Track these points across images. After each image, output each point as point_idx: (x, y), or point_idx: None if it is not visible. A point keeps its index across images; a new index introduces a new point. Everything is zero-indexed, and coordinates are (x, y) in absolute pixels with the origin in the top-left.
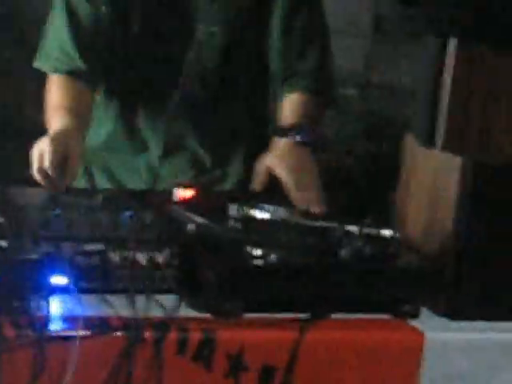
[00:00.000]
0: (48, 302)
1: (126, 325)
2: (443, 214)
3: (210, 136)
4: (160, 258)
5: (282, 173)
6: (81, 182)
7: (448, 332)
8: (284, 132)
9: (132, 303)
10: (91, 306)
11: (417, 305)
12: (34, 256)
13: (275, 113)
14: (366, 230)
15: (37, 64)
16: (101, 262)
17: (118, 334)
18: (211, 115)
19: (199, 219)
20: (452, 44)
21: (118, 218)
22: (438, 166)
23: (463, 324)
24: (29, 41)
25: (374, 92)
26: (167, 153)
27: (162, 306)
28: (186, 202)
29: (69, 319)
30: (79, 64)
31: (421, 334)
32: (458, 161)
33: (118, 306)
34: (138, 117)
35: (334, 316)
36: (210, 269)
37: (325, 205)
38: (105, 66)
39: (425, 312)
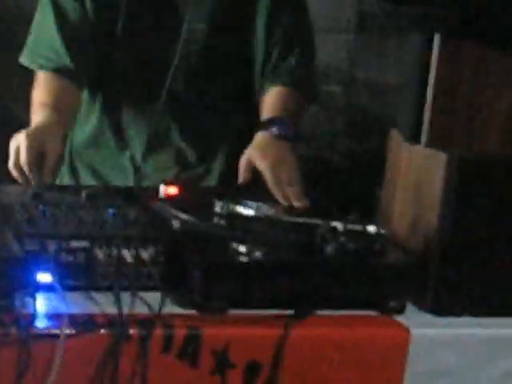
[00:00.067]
0: (33, 300)
1: (112, 322)
2: (428, 210)
3: (194, 132)
4: (145, 255)
5: (262, 166)
6: (65, 179)
7: (434, 328)
8: (264, 125)
9: (117, 300)
10: (76, 304)
11: (402, 301)
12: (19, 253)
13: (258, 107)
14: (351, 227)
15: (23, 60)
16: (86, 259)
17: (104, 331)
18: (195, 112)
19: (184, 216)
20: (437, 41)
21: (102, 215)
22: (423, 162)
23: (449, 320)
24: (16, 37)
25: (359, 88)
26: (151, 149)
27: (147, 303)
28: (171, 199)
29: (54, 317)
30: (66, 61)
31: (406, 330)
32: (442, 157)
33: (103, 304)
34: (121, 114)
35: (319, 312)
36: (195, 265)
37: (306, 199)
38: (90, 63)
39: (410, 308)
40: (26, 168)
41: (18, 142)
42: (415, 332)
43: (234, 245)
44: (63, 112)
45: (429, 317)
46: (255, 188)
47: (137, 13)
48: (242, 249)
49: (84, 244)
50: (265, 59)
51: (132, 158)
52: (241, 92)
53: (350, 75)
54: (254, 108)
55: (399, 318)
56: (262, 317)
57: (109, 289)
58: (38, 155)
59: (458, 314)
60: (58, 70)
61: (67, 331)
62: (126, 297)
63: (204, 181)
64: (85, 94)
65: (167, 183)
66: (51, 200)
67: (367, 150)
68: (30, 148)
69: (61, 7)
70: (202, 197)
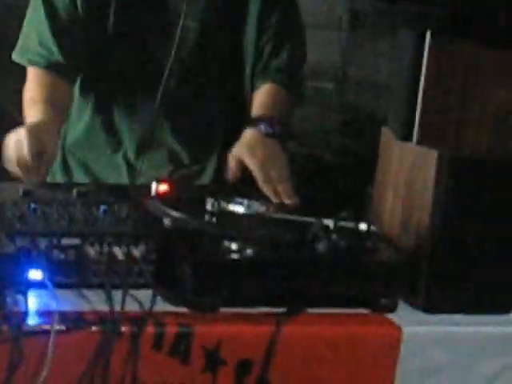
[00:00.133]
0: (24, 297)
1: (103, 319)
2: (420, 208)
3: (187, 132)
4: (136, 253)
5: (252, 163)
6: (58, 177)
7: (425, 326)
8: (252, 123)
9: (108, 298)
10: (67, 301)
11: (394, 299)
12: (10, 250)
13: (249, 105)
14: (343, 224)
15: (15, 57)
16: (77, 256)
17: (95, 328)
18: (188, 111)
19: (175, 213)
20: (428, 39)
21: (94, 213)
22: (414, 160)
23: (440, 318)
24: (8, 33)
25: (351, 86)
26: (144, 148)
27: (138, 300)
28: (162, 197)
29: (45, 314)
30: (57, 58)
31: (398, 328)
32: (433, 155)
33: (94, 301)
34: (114, 112)
35: (310, 310)
36: (187, 263)
37: (297, 196)
38: (82, 60)
39: (402, 306)
40: (29, 163)
41: (19, 137)
42: (407, 330)
43: (226, 242)
44: (57, 108)
45: (420, 315)
46: (245, 185)
47: (128, 10)
48: (234, 246)
49: (75, 241)
50: (256, 57)
51: (125, 157)
52: (234, 91)
53: (343, 72)
54: (246, 106)
55: (391, 316)
56: (254, 314)
57: (100, 286)
58: (38, 152)
59: (450, 312)
60: (50, 66)
61: (58, 328)
62: (117, 294)
63: (198, 179)
64: (77, 93)
65: (159, 181)
66: (42, 197)
67: (359, 148)
68: (32, 144)
69: (52, 4)
70: (194, 194)
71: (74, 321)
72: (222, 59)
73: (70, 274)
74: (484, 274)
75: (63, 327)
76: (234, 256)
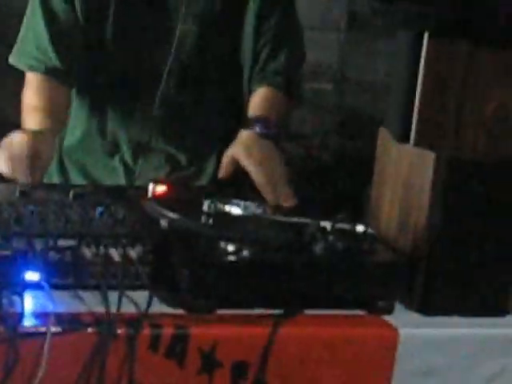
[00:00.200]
0: (20, 298)
1: (99, 321)
2: (417, 209)
3: (185, 135)
4: (133, 254)
5: (248, 164)
6: (54, 179)
7: (422, 328)
8: (248, 124)
9: (105, 299)
10: (64, 302)
11: (391, 300)
12: (6, 252)
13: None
14: (340, 226)
15: (13, 60)
16: (73, 257)
17: (91, 330)
18: (186, 114)
19: (172, 215)
20: (426, 39)
21: (90, 214)
22: (412, 161)
23: (437, 319)
24: (7, 36)
25: (350, 87)
26: (141, 152)
27: (134, 302)
28: (159, 198)
29: (41, 315)
30: (55, 63)
31: (395, 330)
32: (431, 156)
33: (90, 302)
34: (110, 117)
35: (307, 312)
36: (183, 264)
37: (295, 198)
38: (80, 64)
39: (399, 307)
40: (24, 167)
41: (14, 140)
42: (403, 332)
43: (222, 244)
44: (55, 115)
45: (417, 316)
46: (241, 186)
47: (127, 14)
48: (230, 248)
49: (71, 243)
50: (253, 60)
51: (122, 160)
52: (232, 93)
53: (341, 73)
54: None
55: (388, 318)
56: (250, 316)
57: (96, 287)
58: (32, 158)
59: (447, 314)
60: (48, 72)
61: (54, 330)
62: (113, 296)
63: (196, 181)
64: (75, 97)
65: (156, 182)
66: (39, 198)
67: (358, 149)
68: (27, 149)
69: (51, 8)
70: (191, 195)
71: (70, 322)
72: (220, 62)
73: (66, 275)
74: (482, 275)
75: (59, 329)
76: (231, 257)
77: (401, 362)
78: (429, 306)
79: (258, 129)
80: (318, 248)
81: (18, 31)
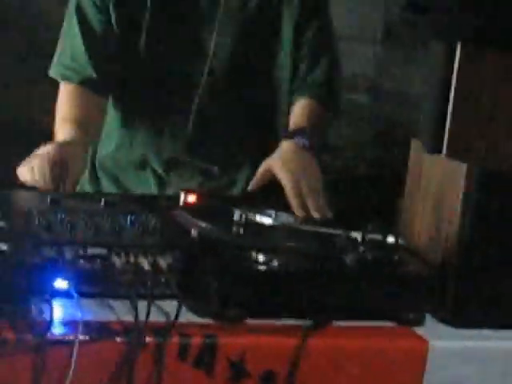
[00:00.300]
0: (49, 306)
1: (128, 330)
2: (448, 221)
3: (216, 148)
4: (163, 263)
5: (281, 175)
6: (86, 188)
7: (452, 340)
8: (288, 136)
9: (134, 308)
10: (92, 311)
11: (421, 312)
12: (36, 260)
13: (284, 120)
14: (371, 237)
15: (51, 72)
16: (103, 266)
17: (119, 339)
18: (219, 126)
19: (203, 224)
20: (458, 50)
21: (121, 223)
22: (444, 173)
23: (468, 332)
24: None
25: (386, 98)
26: (173, 164)
27: (163, 311)
28: (190, 207)
29: (69, 323)
30: (91, 73)
31: (425, 342)
32: (463, 168)
33: (119, 311)
34: (141, 129)
35: (336, 323)
36: (212, 274)
37: (329, 211)
38: (115, 75)
39: (429, 319)
40: (49, 173)
41: (42, 151)
42: (434, 344)
43: (252, 254)
44: (87, 126)
45: (448, 329)
46: (273, 197)
47: (162, 26)
48: (260, 258)
49: (101, 251)
50: (292, 73)
51: (154, 172)
52: (266, 105)
53: (377, 85)
54: (280, 120)
55: (418, 330)
56: (279, 326)
57: (125, 296)
58: (60, 167)
59: (477, 327)
60: (83, 82)
61: (82, 338)
62: (142, 305)
63: (228, 191)
64: (110, 110)
65: (186, 191)
66: (69, 207)
67: (393, 160)
68: (55, 158)
69: (86, 19)
70: (222, 205)
71: (98, 331)
72: (254, 75)
73: (95, 283)
74: None
75: (87, 337)
76: (261, 267)
77: (431, 374)
78: (459, 318)
79: (297, 140)
80: (349, 259)
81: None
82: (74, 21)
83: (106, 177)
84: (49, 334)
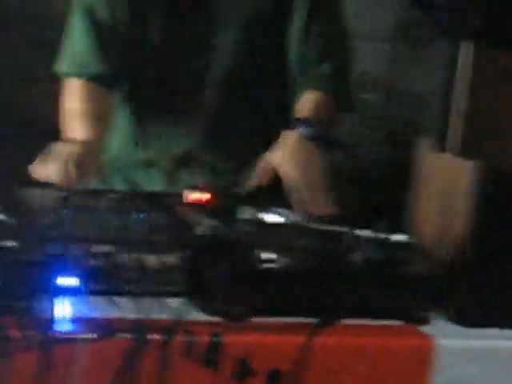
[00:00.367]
0: (54, 304)
1: (133, 327)
2: (455, 219)
3: (226, 144)
4: (169, 261)
5: (282, 170)
6: (95, 185)
7: (459, 339)
8: (292, 125)
9: (139, 305)
10: (98, 308)
11: (428, 311)
12: (42, 256)
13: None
14: (378, 235)
15: (57, 68)
16: (109, 263)
17: (125, 336)
18: (229, 122)
19: (210, 222)
20: (466, 48)
21: (127, 220)
22: (450, 171)
23: (475, 331)
24: (49, 42)
25: (397, 97)
26: (182, 161)
27: (169, 308)
28: (197, 205)
29: (75, 321)
30: (99, 69)
31: (432, 341)
32: (469, 166)
33: (125, 309)
34: (150, 126)
35: (343, 321)
36: (219, 272)
37: (331, 206)
38: (124, 72)
39: (436, 318)
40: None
41: (71, 149)
42: (440, 343)
43: (259, 252)
44: (100, 121)
45: (455, 327)
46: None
47: (171, 21)
48: (266, 256)
49: (108, 248)
50: (299, 66)
51: (163, 169)
52: (276, 100)
53: (389, 84)
54: (289, 116)
55: (425, 329)
56: (285, 325)
57: (132, 294)
58: (77, 167)
59: (485, 326)
60: (91, 78)
61: (88, 335)
62: (148, 302)
63: (237, 188)
64: (119, 109)
65: (193, 188)
66: (76, 204)
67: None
68: (82, 158)
69: (93, 14)
70: (229, 202)
71: (104, 328)
72: (264, 69)
73: (101, 281)
74: None
75: (92, 334)
76: (267, 265)
77: (437, 373)
78: (466, 317)
79: (301, 129)
80: (356, 257)
81: (58, 38)
82: (82, 17)
83: (115, 175)
84: (54, 332)
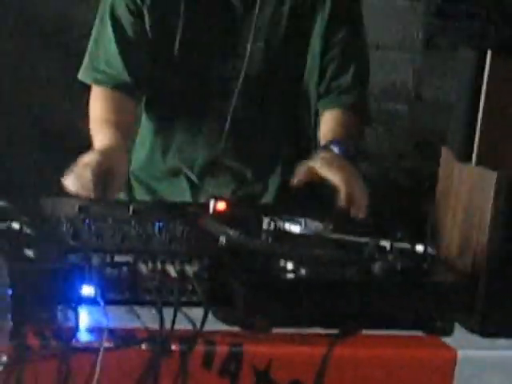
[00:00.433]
0: (75, 313)
1: (153, 337)
2: (478, 230)
3: (250, 153)
4: (190, 271)
5: (334, 176)
6: (120, 196)
7: (481, 350)
8: (325, 146)
9: (160, 315)
10: (118, 318)
11: (450, 322)
12: (62, 266)
13: (315, 128)
14: (400, 245)
15: (82, 76)
16: (129, 273)
17: (144, 346)
18: (252, 131)
19: (231, 232)
20: (489, 56)
21: (148, 230)
22: (474, 181)
23: (497, 341)
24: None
25: (425, 107)
26: (206, 171)
27: (190, 318)
28: (219, 215)
29: (95, 330)
30: (124, 77)
31: (453, 351)
32: (493, 176)
33: (145, 319)
34: (176, 135)
35: (364, 332)
36: (239, 282)
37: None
38: (148, 80)
39: (458, 329)
40: (92, 179)
41: (89, 158)
42: (462, 353)
43: (280, 262)
44: (125, 130)
45: (477, 338)
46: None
47: (196, 30)
48: (288, 266)
49: (128, 258)
50: (320, 77)
51: (188, 178)
52: (298, 110)
53: (416, 94)
54: (310, 125)
55: (446, 339)
56: (306, 335)
57: (152, 304)
58: (104, 174)
59: (507, 336)
60: (117, 86)
61: (107, 345)
62: (169, 312)
63: (260, 198)
64: (143, 119)
65: (216, 199)
66: (98, 214)
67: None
68: (100, 164)
69: (119, 22)
70: (251, 213)
71: (124, 338)
72: (287, 79)
73: (122, 290)
74: None
75: (112, 344)
76: (288, 276)
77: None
78: (488, 328)
79: (336, 149)
80: (377, 267)
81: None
82: (108, 25)
83: (140, 185)
84: (74, 341)
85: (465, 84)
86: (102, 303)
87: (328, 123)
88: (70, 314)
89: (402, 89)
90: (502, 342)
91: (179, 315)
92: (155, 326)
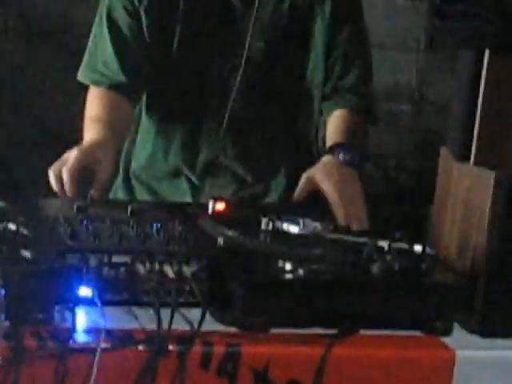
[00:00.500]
0: (72, 314)
1: (150, 338)
2: (477, 230)
3: (251, 153)
4: (187, 271)
5: (326, 185)
6: (120, 196)
7: (480, 350)
8: (330, 151)
9: (157, 316)
10: (116, 319)
11: (448, 322)
12: (60, 267)
13: (318, 129)
14: (398, 246)
15: (80, 77)
16: (127, 274)
17: (141, 347)
18: (252, 132)
19: (229, 232)
20: (487, 57)
21: (146, 230)
22: (472, 181)
23: (495, 341)
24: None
25: (428, 108)
26: (207, 172)
27: (187, 319)
28: (217, 215)
29: (92, 331)
30: (120, 78)
31: (452, 352)
32: (491, 176)
33: (143, 319)
34: (176, 136)
35: (362, 332)
36: (237, 282)
37: (368, 223)
38: (145, 81)
39: (456, 329)
40: (66, 177)
41: (67, 155)
42: (461, 353)
43: (278, 262)
44: (115, 127)
45: (475, 338)
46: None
47: (194, 30)
48: (286, 266)
49: (126, 259)
50: (324, 77)
51: (188, 179)
52: (299, 110)
53: (419, 94)
54: (313, 126)
55: (445, 340)
56: (304, 335)
57: (149, 304)
58: (83, 168)
59: (506, 336)
60: (112, 86)
61: (105, 346)
62: (166, 313)
63: (263, 199)
64: (143, 120)
65: (215, 199)
66: (95, 214)
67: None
68: (78, 161)
69: (116, 24)
70: (249, 213)
71: (121, 339)
72: (287, 78)
73: (119, 291)
74: None
75: (110, 345)
76: (287, 276)
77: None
78: (487, 328)
79: (341, 156)
80: (375, 268)
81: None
82: (105, 26)
83: (140, 186)
84: (71, 342)
85: (463, 84)
86: (99, 304)
87: (334, 124)
88: (68, 314)
89: (405, 89)
90: (500, 342)
91: (177, 316)
92: (153, 326)
